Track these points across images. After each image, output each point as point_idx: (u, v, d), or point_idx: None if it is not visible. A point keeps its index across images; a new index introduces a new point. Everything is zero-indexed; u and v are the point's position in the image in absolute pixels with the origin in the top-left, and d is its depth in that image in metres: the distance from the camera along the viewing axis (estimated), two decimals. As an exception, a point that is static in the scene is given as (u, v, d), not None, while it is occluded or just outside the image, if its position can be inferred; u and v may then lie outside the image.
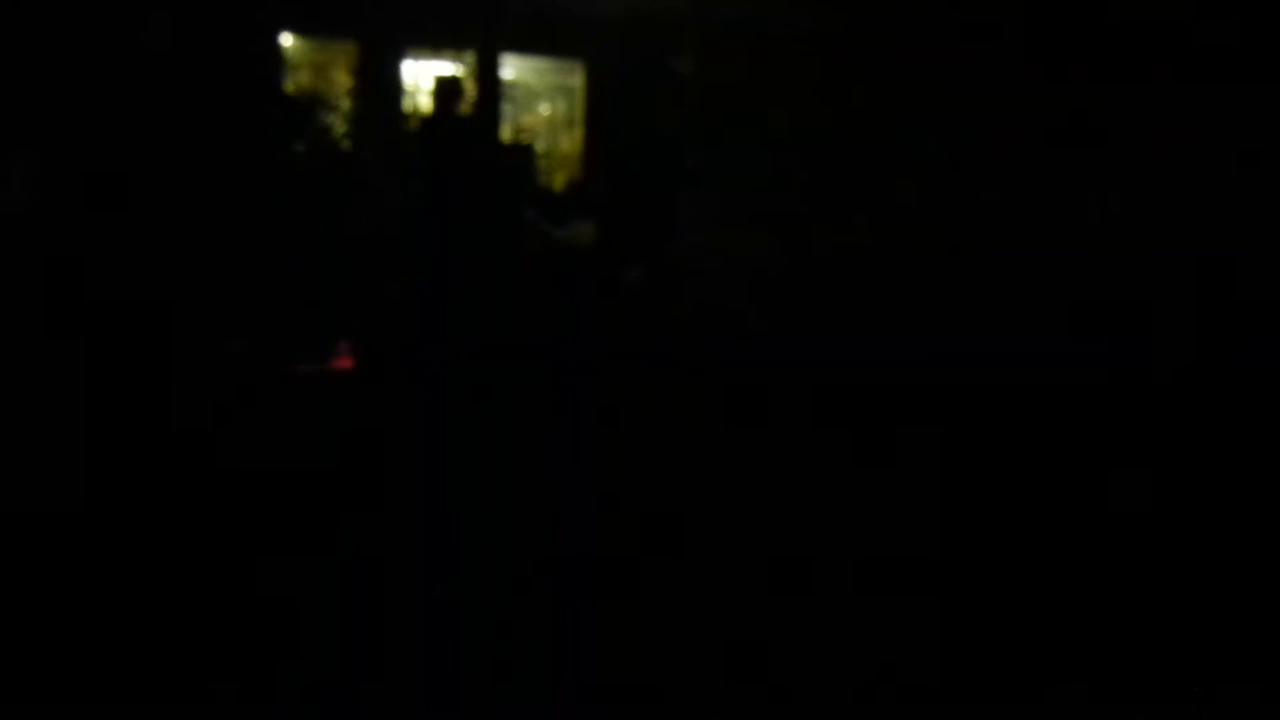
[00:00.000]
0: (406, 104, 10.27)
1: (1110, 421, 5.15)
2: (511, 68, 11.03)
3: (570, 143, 11.33)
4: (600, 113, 11.01)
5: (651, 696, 2.88)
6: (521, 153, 9.27)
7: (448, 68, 9.85)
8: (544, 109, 11.55)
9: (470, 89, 9.80)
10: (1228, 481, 4.39)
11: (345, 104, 9.94)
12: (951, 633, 3.22)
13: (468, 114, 8.80)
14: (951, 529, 4.01)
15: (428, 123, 7.69)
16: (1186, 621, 3.27)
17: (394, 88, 10.26)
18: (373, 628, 3.21)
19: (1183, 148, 6.84)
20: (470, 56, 10.62)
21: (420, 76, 10.27)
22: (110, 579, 3.43)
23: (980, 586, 3.55)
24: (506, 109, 10.98)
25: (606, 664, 3.04)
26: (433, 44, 10.46)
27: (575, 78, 11.26)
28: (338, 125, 9.52)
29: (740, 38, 9.90)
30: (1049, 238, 7.45)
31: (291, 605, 3.32)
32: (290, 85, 9.52)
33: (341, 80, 10.15)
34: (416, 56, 10.41)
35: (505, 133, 10.71)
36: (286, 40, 9.84)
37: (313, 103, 8.89)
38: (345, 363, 6.18)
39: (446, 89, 7.47)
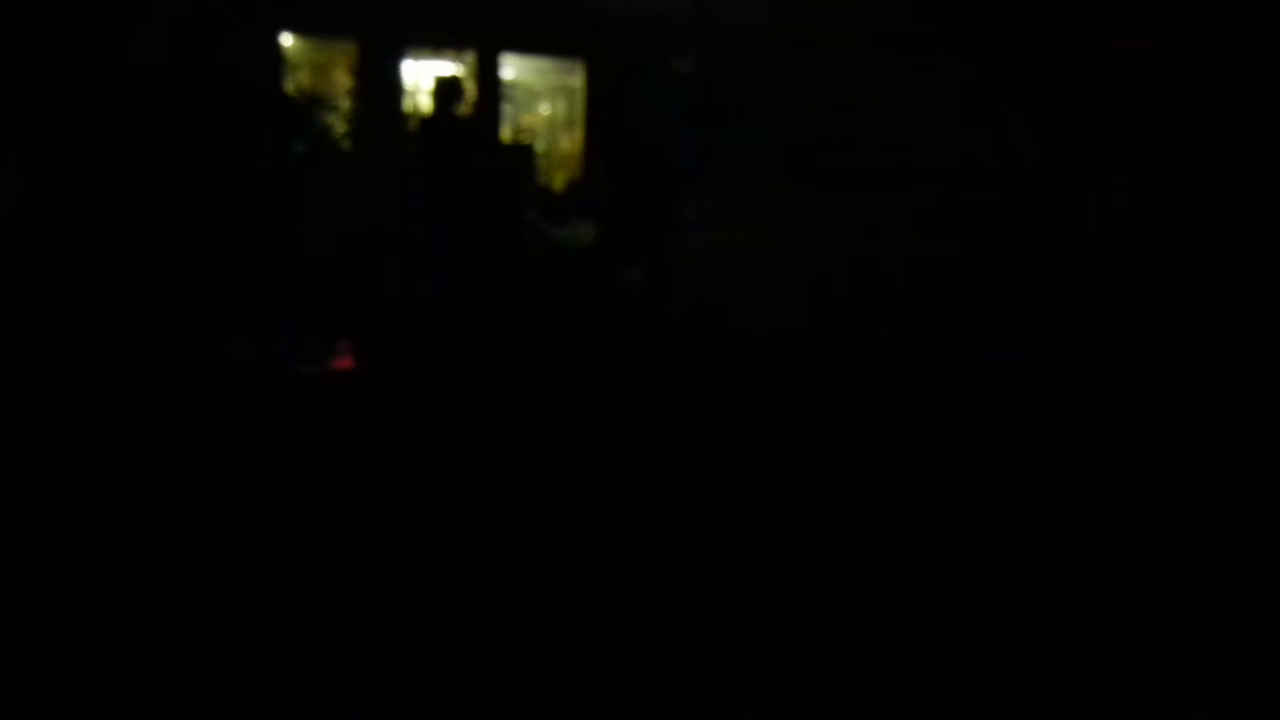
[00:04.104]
0: (406, 104, 10.28)
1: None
2: (511, 68, 11.03)
3: (570, 143, 11.33)
4: (600, 113, 11.02)
5: (651, 701, 2.88)
6: (521, 153, 9.27)
7: (448, 68, 9.86)
8: (544, 109, 11.56)
9: (470, 89, 9.79)
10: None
11: (345, 104, 9.94)
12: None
13: (468, 114, 8.80)
14: (939, 513, 4.02)
15: (428, 123, 7.70)
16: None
17: (394, 88, 10.27)
18: (372, 628, 3.21)
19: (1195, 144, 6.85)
20: (470, 56, 10.63)
21: (420, 76, 10.27)
22: (100, 576, 3.43)
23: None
24: (506, 109, 10.99)
25: (607, 665, 3.04)
26: (433, 44, 10.47)
27: (575, 78, 11.26)
28: (338, 125, 9.52)
29: (740, 38, 9.90)
30: (1053, 236, 7.45)
31: (290, 604, 3.32)
32: (290, 85, 9.52)
33: (341, 80, 10.16)
34: (416, 56, 10.42)
35: (505, 133, 10.71)
36: (286, 40, 9.84)
37: (313, 103, 8.88)
38: (345, 363, 6.19)
39: (446, 89, 7.47)
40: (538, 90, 11.45)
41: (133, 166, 6.59)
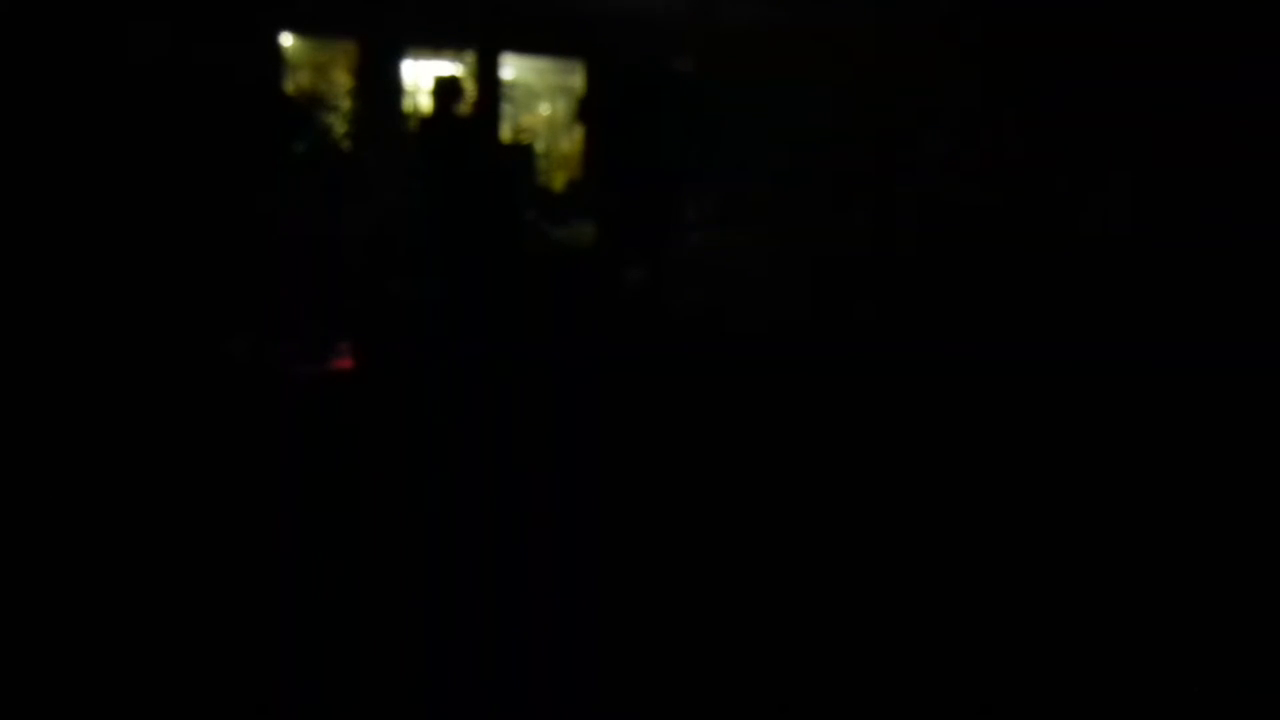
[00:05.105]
0: (406, 104, 10.29)
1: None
2: (511, 68, 11.04)
3: (570, 143, 11.34)
4: (600, 112, 11.01)
5: (652, 698, 2.88)
6: (521, 153, 9.28)
7: (448, 68, 9.86)
8: (544, 109, 11.56)
9: (470, 89, 9.81)
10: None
11: (345, 104, 9.95)
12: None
13: (468, 114, 8.80)
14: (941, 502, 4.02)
15: (428, 123, 7.70)
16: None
17: (394, 88, 10.27)
18: (372, 628, 3.21)
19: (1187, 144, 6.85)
20: (470, 56, 10.63)
21: (420, 76, 10.28)
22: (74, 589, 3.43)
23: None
24: (506, 109, 10.99)
25: (609, 663, 3.04)
26: (433, 44, 10.47)
27: (575, 78, 11.27)
28: (338, 125, 9.53)
29: (740, 38, 9.90)
30: (1046, 237, 7.45)
31: (290, 605, 3.32)
32: (290, 85, 9.53)
33: (341, 80, 10.16)
34: (416, 56, 10.42)
35: (505, 133, 10.72)
36: (286, 40, 9.84)
37: (313, 103, 8.89)
38: (345, 363, 6.19)
39: (446, 89, 7.47)
40: (538, 90, 11.46)
41: (132, 166, 6.59)
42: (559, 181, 10.46)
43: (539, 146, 10.34)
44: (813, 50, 9.42)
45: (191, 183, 6.72)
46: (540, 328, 6.71)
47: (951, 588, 3.52)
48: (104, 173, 6.51)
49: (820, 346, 6.59)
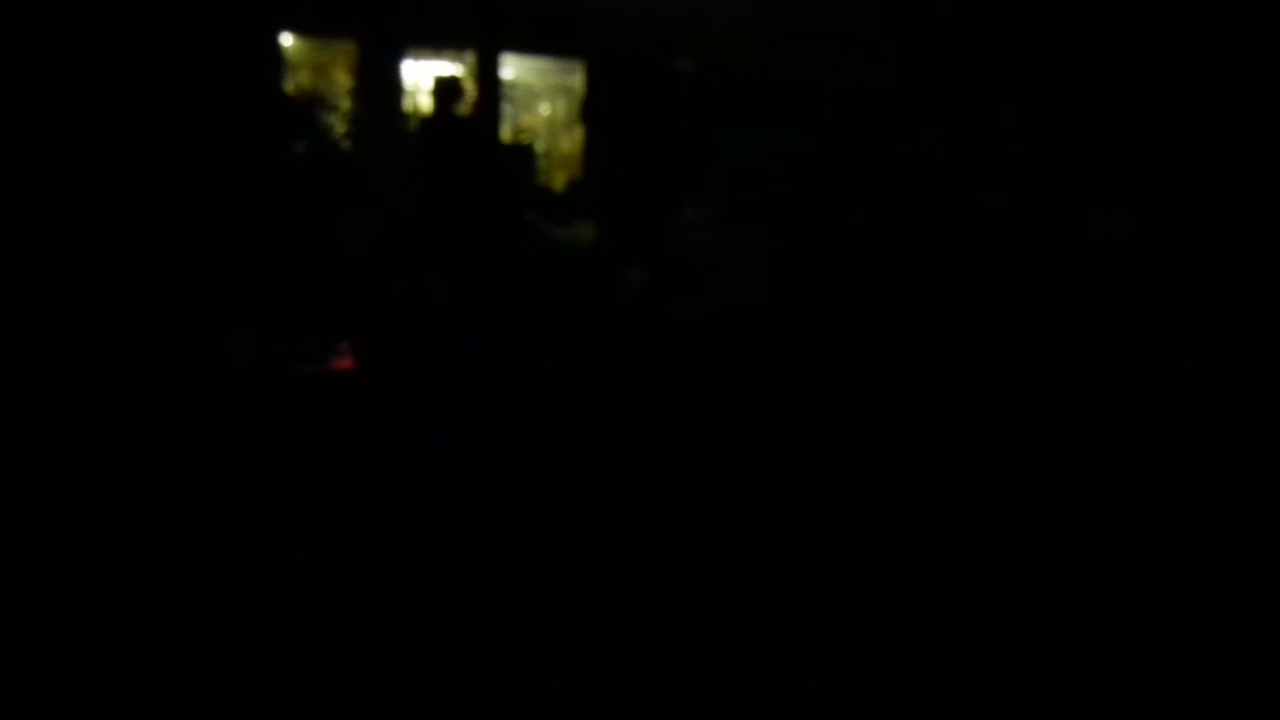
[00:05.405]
0: (406, 104, 10.28)
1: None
2: (511, 68, 11.03)
3: (570, 143, 11.33)
4: (600, 112, 11.02)
5: (652, 695, 2.88)
6: (521, 153, 9.28)
7: (448, 68, 9.86)
8: (544, 109, 11.56)
9: (470, 89, 9.80)
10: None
11: (345, 104, 9.95)
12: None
13: (468, 114, 8.80)
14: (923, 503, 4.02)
15: (428, 123, 7.70)
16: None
17: (394, 88, 10.27)
18: (373, 627, 3.21)
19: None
20: (470, 56, 10.63)
21: (420, 76, 10.27)
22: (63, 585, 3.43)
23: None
24: (506, 109, 10.99)
25: (609, 661, 3.04)
26: (433, 44, 10.47)
27: (575, 78, 11.26)
28: (338, 125, 9.53)
29: (740, 37, 9.91)
30: (1045, 239, 7.46)
31: (290, 604, 3.32)
32: (290, 85, 9.53)
33: (341, 80, 10.16)
34: (416, 56, 10.42)
35: (505, 133, 10.71)
36: (286, 40, 9.84)
37: (313, 103, 8.89)
38: (345, 363, 6.18)
39: (446, 89, 7.48)
40: (538, 90, 11.45)
41: (132, 166, 6.60)
42: (559, 181, 10.45)
43: (539, 146, 10.33)
44: (812, 50, 9.42)
45: (191, 182, 6.72)
46: (540, 328, 6.71)
47: (952, 587, 3.52)
48: (103, 172, 6.51)
49: (820, 346, 6.58)
